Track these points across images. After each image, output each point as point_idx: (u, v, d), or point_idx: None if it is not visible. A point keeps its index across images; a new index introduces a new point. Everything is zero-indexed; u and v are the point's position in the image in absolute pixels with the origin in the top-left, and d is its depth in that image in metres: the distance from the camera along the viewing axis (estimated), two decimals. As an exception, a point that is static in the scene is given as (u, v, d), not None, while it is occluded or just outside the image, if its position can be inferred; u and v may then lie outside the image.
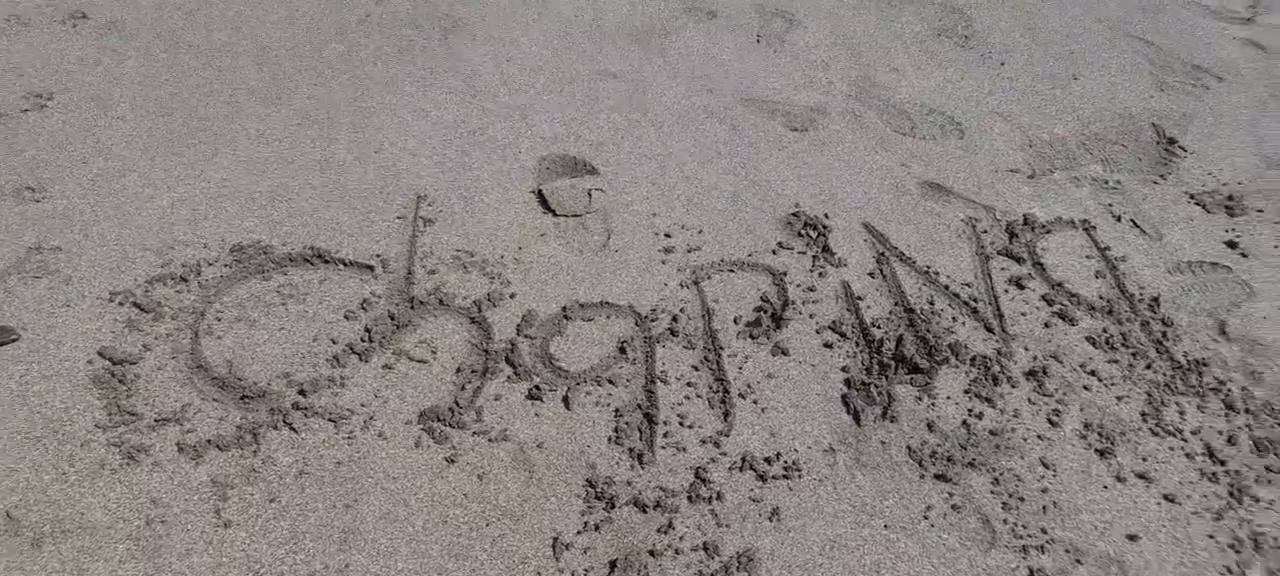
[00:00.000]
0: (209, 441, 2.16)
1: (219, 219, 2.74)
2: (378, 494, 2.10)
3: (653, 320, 2.58)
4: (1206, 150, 3.52)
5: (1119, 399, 2.51)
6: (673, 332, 2.55)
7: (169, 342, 2.38)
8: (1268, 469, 2.37)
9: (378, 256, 2.68)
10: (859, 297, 2.72)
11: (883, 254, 2.88)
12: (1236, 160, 3.49)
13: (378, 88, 3.37)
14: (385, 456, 2.18)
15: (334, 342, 2.43)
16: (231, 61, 3.43)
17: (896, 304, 2.72)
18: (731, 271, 2.77)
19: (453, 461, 2.18)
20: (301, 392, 2.29)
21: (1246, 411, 2.52)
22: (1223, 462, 2.38)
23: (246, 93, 3.28)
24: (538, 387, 2.36)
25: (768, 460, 2.26)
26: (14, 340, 2.35)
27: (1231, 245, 3.08)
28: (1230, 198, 3.27)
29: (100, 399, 2.22)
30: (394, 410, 2.28)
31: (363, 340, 2.43)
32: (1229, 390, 2.57)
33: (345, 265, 2.65)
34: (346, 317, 2.49)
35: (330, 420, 2.24)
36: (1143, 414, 2.48)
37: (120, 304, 2.45)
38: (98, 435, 2.14)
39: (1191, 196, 3.28)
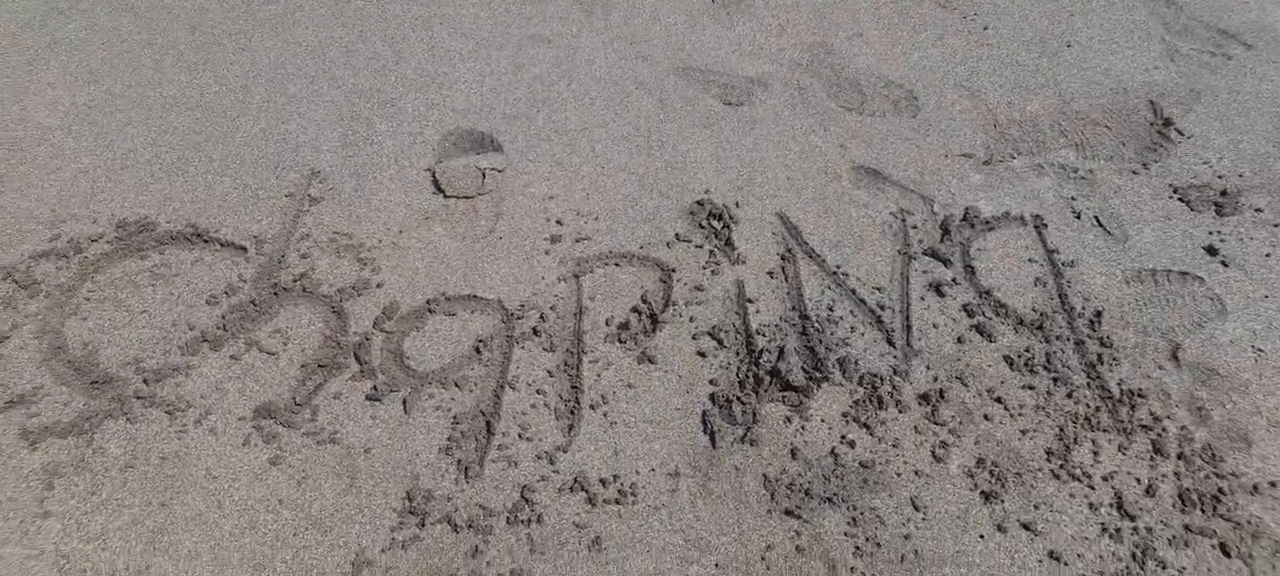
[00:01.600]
0: (48, 427, 2.10)
1: (114, 192, 2.66)
2: (195, 493, 2.00)
3: (519, 316, 2.37)
4: (1208, 134, 2.96)
5: (1023, 433, 2.15)
6: (536, 332, 2.33)
7: (38, 322, 2.32)
8: (1187, 528, 1.99)
9: (254, 237, 2.55)
10: (750, 300, 2.42)
11: (790, 250, 2.55)
12: (1243, 146, 2.92)
13: (302, 53, 3.20)
14: (211, 454, 2.07)
15: (190, 328, 2.32)
16: (167, 25, 3.32)
17: (792, 308, 2.41)
18: (616, 265, 2.51)
19: (275, 463, 2.06)
20: (145, 381, 2.20)
21: (1178, 456, 2.12)
22: (1133, 517, 2.01)
23: (174, 58, 3.17)
24: (378, 388, 2.20)
25: (603, 482, 2.04)
26: (-104, 312, 2.35)
27: (1211, 251, 2.58)
28: (1223, 193, 2.74)
29: (-39, 378, 2.20)
30: (231, 404, 2.17)
31: (218, 328, 2.32)
32: (1163, 428, 2.17)
33: (221, 245, 2.53)
34: (209, 303, 2.38)
35: (167, 411, 2.15)
36: (1048, 452, 2.12)
37: (3, 279, 2.42)
38: (-53, 415, 2.12)
39: (1176, 190, 2.76)
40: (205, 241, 2.54)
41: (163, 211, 2.61)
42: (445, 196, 2.68)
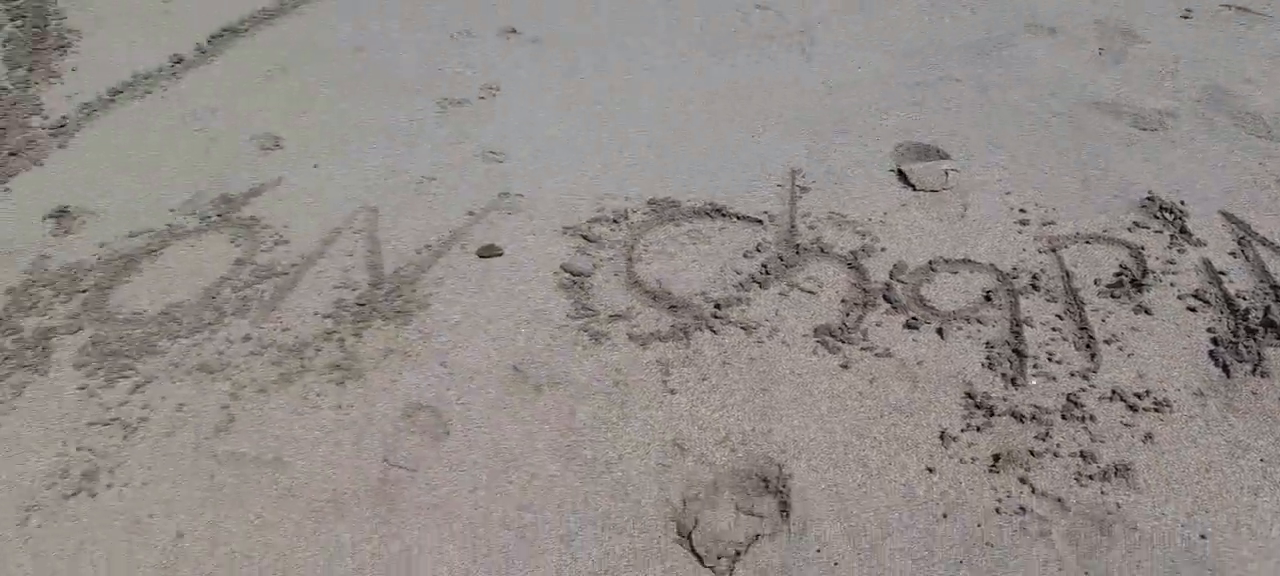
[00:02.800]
0: (651, 334, 2.85)
1: (637, 180, 3.53)
2: (786, 384, 2.67)
3: (1014, 276, 2.97)
4: None
5: None
6: (1035, 287, 2.92)
7: (611, 265, 3.14)
8: None
9: (765, 213, 3.32)
10: (1221, 272, 2.93)
11: (1244, 237, 3.05)
12: None
13: (752, 84, 4.10)
14: (789, 358, 2.75)
15: (738, 273, 3.07)
16: (643, 62, 4.33)
17: (1261, 281, 2.89)
18: (1088, 243, 3.10)
19: (846, 367, 2.70)
20: (717, 306, 2.94)
21: None
22: None
23: (650, 91, 4.14)
24: (914, 320, 2.84)
25: (1137, 395, 2.56)
26: (500, 254, 3.22)
27: None
28: None
29: (567, 299, 3.00)
30: (792, 326, 2.86)
31: (760, 272, 3.06)
32: None
33: (738, 218, 3.31)
34: (745, 256, 3.13)
35: (742, 328, 2.86)
36: None
37: (571, 236, 3.27)
38: (569, 322, 2.91)
39: None
40: (724, 215, 3.33)
41: (681, 194, 3.44)
42: (914, 190, 3.38)
